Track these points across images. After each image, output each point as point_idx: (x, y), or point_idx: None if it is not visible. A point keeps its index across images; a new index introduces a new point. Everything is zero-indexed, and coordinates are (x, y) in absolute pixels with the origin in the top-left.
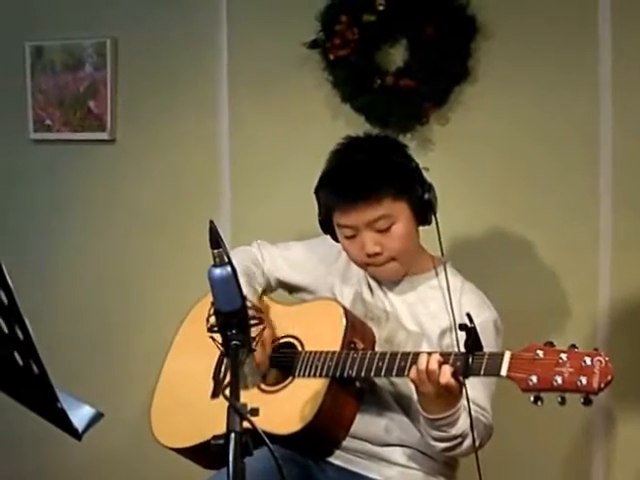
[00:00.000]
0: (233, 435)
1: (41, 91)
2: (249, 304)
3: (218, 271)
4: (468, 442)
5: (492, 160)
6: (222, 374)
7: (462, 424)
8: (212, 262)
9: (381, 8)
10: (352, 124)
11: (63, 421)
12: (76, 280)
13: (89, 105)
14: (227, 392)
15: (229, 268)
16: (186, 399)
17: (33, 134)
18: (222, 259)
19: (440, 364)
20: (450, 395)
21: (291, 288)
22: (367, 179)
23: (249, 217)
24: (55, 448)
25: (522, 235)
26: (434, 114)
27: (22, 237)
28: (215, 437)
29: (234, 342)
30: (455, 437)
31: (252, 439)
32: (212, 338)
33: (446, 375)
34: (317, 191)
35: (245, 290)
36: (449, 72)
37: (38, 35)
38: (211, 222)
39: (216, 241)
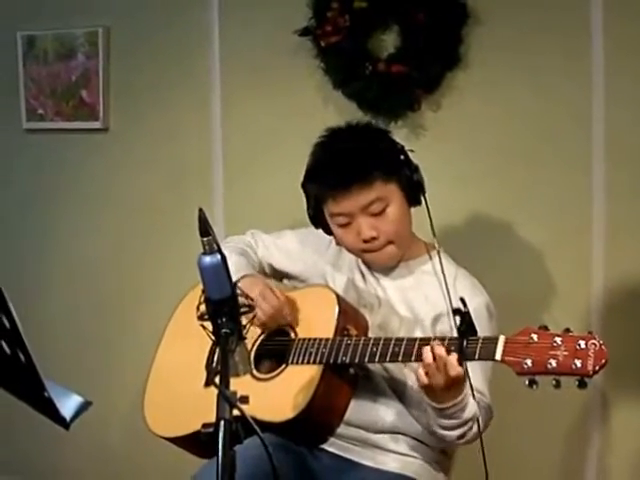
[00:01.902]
0: (222, 423)
1: (33, 80)
2: (239, 291)
3: (208, 259)
4: (476, 426)
5: (484, 146)
6: (215, 363)
7: (471, 407)
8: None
9: None
10: (344, 111)
11: (50, 410)
12: (71, 271)
13: (81, 94)
14: (217, 380)
15: (219, 256)
16: (179, 388)
17: (26, 123)
18: (211, 247)
19: (448, 351)
20: (459, 381)
21: (283, 275)
22: (356, 164)
23: (242, 206)
24: (50, 440)
25: (515, 220)
26: (426, 100)
27: (16, 226)
28: (205, 425)
29: (224, 330)
30: (467, 421)
31: (243, 427)
32: (202, 326)
33: (454, 365)
34: (304, 185)
35: (249, 271)
36: (441, 58)
37: (30, 25)
38: (200, 210)
39: (205, 229)
